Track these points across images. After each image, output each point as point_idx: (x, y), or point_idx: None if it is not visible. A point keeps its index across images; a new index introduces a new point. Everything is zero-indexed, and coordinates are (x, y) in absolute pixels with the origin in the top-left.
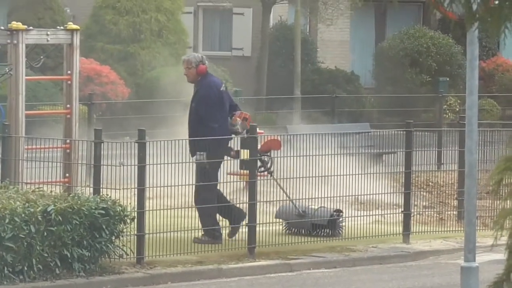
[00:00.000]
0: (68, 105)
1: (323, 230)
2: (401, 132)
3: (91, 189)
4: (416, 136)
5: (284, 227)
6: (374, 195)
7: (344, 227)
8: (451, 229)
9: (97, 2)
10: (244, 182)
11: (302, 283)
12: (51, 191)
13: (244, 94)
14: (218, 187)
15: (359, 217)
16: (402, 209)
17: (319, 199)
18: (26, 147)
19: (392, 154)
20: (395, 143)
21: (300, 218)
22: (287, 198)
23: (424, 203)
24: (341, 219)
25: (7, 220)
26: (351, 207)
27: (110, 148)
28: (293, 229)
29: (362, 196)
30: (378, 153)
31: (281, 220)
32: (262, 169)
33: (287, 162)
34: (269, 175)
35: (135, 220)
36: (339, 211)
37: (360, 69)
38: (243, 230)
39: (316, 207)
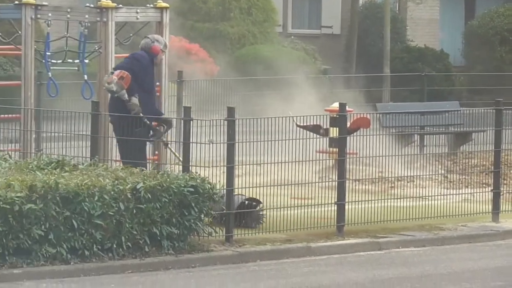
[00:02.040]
0: (157, 83)
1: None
2: (491, 110)
3: (180, 167)
4: (506, 115)
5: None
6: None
7: (264, 220)
8: None
9: None
10: (333, 160)
11: (391, 262)
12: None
13: (333, 72)
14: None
15: (448, 196)
16: (492, 188)
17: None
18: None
19: (482, 133)
20: (484, 121)
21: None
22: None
23: None
24: (261, 212)
25: (96, 198)
26: (440, 186)
27: (199, 126)
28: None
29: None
30: (468, 131)
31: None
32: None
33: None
34: (164, 146)
35: (224, 197)
36: (257, 201)
37: (449, 47)
38: (333, 208)
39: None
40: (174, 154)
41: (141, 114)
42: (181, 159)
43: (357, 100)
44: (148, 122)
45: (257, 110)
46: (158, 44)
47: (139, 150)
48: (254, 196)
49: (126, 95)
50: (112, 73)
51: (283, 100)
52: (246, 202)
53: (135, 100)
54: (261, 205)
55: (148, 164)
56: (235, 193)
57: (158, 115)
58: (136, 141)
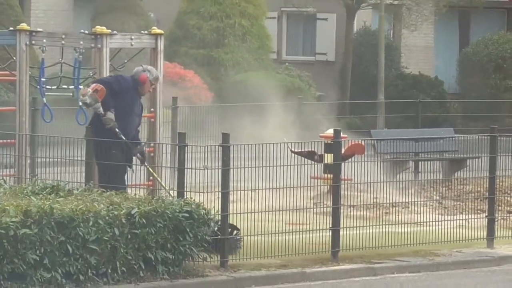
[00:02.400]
0: (152, 109)
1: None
2: (485, 137)
3: (175, 192)
4: (501, 141)
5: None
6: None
7: (241, 246)
8: None
9: (181, 7)
10: (328, 186)
11: (386, 287)
12: (135, 194)
13: (328, 99)
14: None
15: (443, 222)
16: (486, 214)
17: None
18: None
19: (477, 159)
20: (479, 148)
21: None
22: (165, 190)
23: (508, 208)
24: (238, 238)
25: (91, 223)
26: (435, 212)
27: (194, 152)
28: None
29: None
30: (463, 157)
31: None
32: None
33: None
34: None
35: (219, 223)
36: (235, 228)
37: (444, 74)
38: (328, 234)
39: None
40: (156, 178)
41: (116, 130)
42: (163, 184)
43: (351, 127)
44: (123, 137)
45: (251, 136)
46: (149, 74)
47: (115, 173)
48: (249, 222)
49: (101, 109)
50: (89, 85)
51: (277, 126)
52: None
53: (110, 115)
54: (238, 232)
55: (130, 189)
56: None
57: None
58: (112, 164)
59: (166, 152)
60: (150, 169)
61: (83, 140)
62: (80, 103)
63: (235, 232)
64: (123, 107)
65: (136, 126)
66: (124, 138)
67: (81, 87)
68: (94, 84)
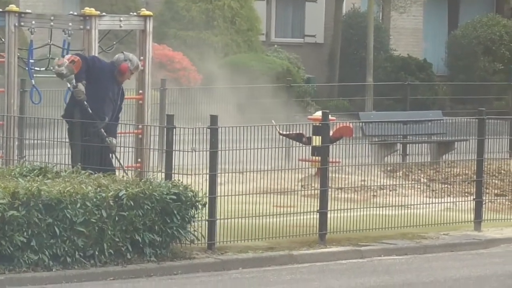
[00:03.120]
0: (140, 91)
1: None
2: (474, 119)
3: (163, 175)
4: (489, 124)
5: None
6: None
7: None
8: None
9: None
10: (316, 169)
11: (373, 270)
12: (123, 176)
13: (317, 81)
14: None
15: (430, 204)
16: (474, 197)
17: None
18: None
19: (464, 142)
20: (467, 130)
21: None
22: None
23: (495, 191)
24: None
25: (78, 205)
26: (423, 194)
27: (182, 134)
28: None
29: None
30: (451, 140)
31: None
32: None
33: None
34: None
35: (207, 205)
36: None
37: (432, 57)
38: (315, 216)
39: None
40: (119, 161)
41: (85, 103)
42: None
43: (340, 109)
44: (90, 111)
45: (240, 118)
46: (130, 64)
47: (96, 156)
48: (236, 204)
49: (74, 81)
50: (63, 56)
51: (266, 108)
52: None
53: (81, 87)
54: None
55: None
56: None
57: (101, 120)
58: (88, 147)
59: (154, 134)
60: (116, 156)
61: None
62: (55, 74)
63: None
64: (95, 87)
65: (112, 112)
66: (90, 110)
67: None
68: (70, 55)
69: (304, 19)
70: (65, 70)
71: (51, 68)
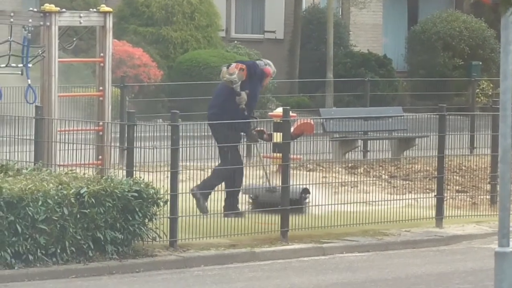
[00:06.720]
0: (101, 88)
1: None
2: (434, 116)
3: (124, 172)
4: (449, 120)
5: (251, 203)
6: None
7: (308, 207)
8: (484, 213)
9: None
10: (277, 165)
11: (335, 267)
12: (84, 174)
13: (277, 77)
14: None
15: (391, 201)
16: (435, 193)
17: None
18: (59, 129)
19: (425, 138)
20: (428, 126)
21: (271, 193)
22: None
23: (457, 187)
24: (307, 199)
25: (40, 202)
26: (384, 191)
27: (143, 131)
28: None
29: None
30: (411, 136)
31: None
32: None
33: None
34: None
35: (168, 203)
36: (307, 191)
37: (392, 52)
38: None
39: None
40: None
41: (244, 106)
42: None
43: (300, 105)
44: (246, 113)
45: (201, 115)
46: (269, 67)
47: (236, 152)
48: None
49: (239, 88)
50: (228, 66)
51: None
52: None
53: (244, 95)
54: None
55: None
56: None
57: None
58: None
59: (115, 131)
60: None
61: (32, 119)
62: (223, 80)
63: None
64: (251, 92)
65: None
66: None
67: (30, 65)
68: (237, 63)
69: (264, 15)
70: (237, 77)
71: (221, 77)
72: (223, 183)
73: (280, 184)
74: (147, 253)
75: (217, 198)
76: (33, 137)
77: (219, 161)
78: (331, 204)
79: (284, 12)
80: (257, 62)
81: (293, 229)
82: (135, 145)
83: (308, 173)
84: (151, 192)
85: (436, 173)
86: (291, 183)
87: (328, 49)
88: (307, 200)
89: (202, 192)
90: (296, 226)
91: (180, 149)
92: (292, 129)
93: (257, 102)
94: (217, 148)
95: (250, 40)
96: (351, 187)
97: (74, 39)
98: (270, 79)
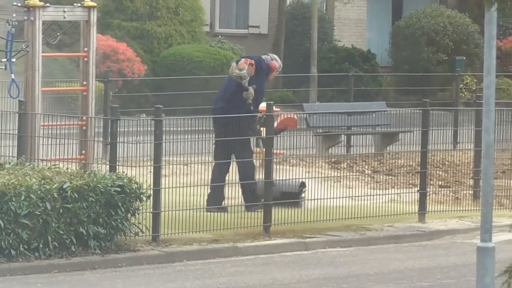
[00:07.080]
0: (84, 82)
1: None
2: (418, 110)
3: (107, 167)
4: (433, 115)
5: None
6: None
7: (304, 200)
8: (466, 208)
9: None
10: (260, 160)
11: (317, 262)
12: (67, 168)
13: None
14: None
15: (374, 196)
16: (418, 188)
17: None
18: (42, 124)
19: (409, 133)
20: (411, 121)
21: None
22: None
23: (440, 182)
24: (303, 194)
25: (22, 197)
26: (367, 186)
27: (127, 125)
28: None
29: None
30: (395, 131)
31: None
32: None
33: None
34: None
35: (151, 197)
36: (303, 185)
37: (376, 47)
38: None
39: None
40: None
41: (250, 101)
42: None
43: (284, 100)
44: (252, 108)
45: (184, 110)
46: (275, 62)
47: (248, 146)
48: (181, 196)
49: (247, 83)
50: (237, 61)
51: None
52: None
53: (251, 90)
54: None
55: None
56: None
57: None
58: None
59: (99, 126)
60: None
61: (15, 113)
62: (233, 76)
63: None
64: (257, 87)
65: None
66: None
67: (14, 60)
68: (246, 59)
69: (248, 10)
70: (247, 73)
71: (230, 73)
72: (225, 178)
73: (264, 179)
74: (130, 248)
75: (200, 192)
76: (16, 132)
77: (237, 156)
78: (314, 199)
79: (269, 7)
80: (263, 57)
81: (276, 224)
82: (118, 140)
83: (291, 168)
84: (134, 187)
85: (419, 168)
86: (290, 176)
87: (312, 44)
88: (303, 195)
89: (249, 204)
90: (278, 221)
91: (164, 144)
92: (275, 124)
93: (263, 97)
94: (198, 142)
95: (235, 35)
96: (334, 182)
97: (58, 33)
98: (276, 73)
